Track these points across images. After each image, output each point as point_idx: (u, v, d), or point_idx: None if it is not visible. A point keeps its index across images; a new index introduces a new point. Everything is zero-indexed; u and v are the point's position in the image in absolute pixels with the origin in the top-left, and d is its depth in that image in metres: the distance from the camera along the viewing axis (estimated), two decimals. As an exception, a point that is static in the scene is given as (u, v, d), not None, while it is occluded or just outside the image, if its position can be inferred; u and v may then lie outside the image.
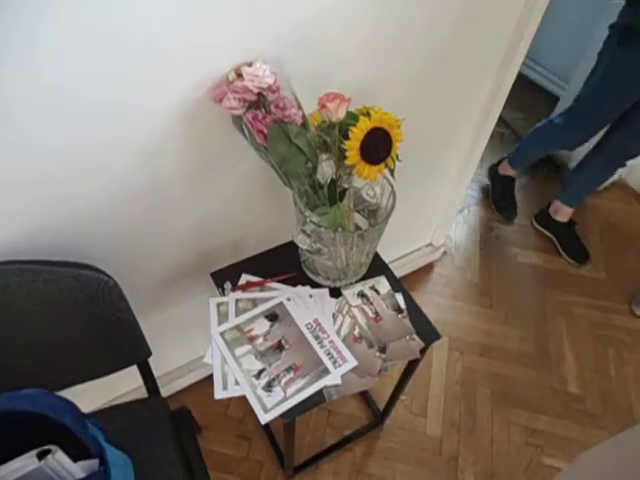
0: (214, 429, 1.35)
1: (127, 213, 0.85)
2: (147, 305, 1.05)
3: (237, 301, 0.94)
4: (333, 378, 0.84)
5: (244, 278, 0.98)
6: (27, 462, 0.63)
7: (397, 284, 1.00)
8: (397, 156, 0.79)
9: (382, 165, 0.77)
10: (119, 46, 0.63)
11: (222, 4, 0.67)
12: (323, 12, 0.77)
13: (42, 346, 0.79)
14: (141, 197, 0.84)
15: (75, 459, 0.67)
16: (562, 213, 1.86)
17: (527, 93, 2.47)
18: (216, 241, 1.05)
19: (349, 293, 0.97)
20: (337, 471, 1.30)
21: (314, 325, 0.91)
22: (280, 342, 0.88)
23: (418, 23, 0.91)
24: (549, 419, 1.43)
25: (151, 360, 0.91)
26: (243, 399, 0.81)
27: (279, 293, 0.96)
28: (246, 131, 0.75)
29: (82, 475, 0.67)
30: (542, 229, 1.94)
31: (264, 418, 0.79)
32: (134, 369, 0.92)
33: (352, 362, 0.86)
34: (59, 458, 0.64)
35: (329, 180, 0.84)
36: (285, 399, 0.81)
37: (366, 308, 0.95)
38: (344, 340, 0.90)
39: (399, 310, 0.95)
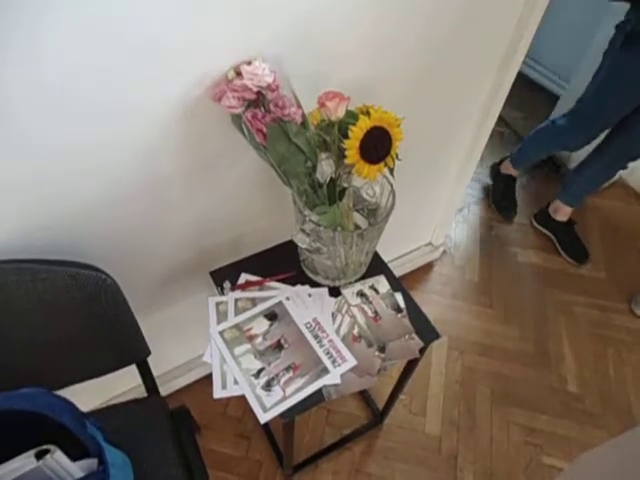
0: (213, 428, 1.35)
1: (126, 212, 0.85)
2: (146, 304, 1.05)
3: (236, 300, 0.94)
4: (332, 377, 0.84)
5: (243, 277, 0.98)
6: (25, 462, 0.63)
7: (396, 283, 1.00)
8: (397, 155, 0.79)
9: (382, 164, 0.77)
10: (119, 45, 0.63)
11: (221, 3, 0.66)
12: (322, 10, 0.76)
13: (40, 345, 0.79)
14: (140, 196, 0.84)
15: (74, 459, 0.66)
16: (562, 212, 1.86)
17: (527, 92, 2.47)
18: (215, 240, 1.05)
19: (348, 292, 0.97)
20: (336, 470, 1.30)
21: (313, 324, 0.91)
22: (279, 341, 0.88)
23: (418, 22, 0.91)
24: (548, 418, 1.43)
25: (150, 359, 0.91)
26: (242, 398, 0.81)
27: (278, 292, 0.95)
28: (245, 130, 0.75)
29: (81, 475, 0.66)
30: (542, 228, 1.94)
31: (263, 417, 0.79)
32: (133, 368, 0.91)
33: (351, 361, 0.86)
34: (58, 458, 0.64)
35: (328, 179, 0.84)
36: (284, 398, 0.81)
37: (365, 307, 0.95)
38: (343, 339, 0.90)
39: (398, 309, 0.95)
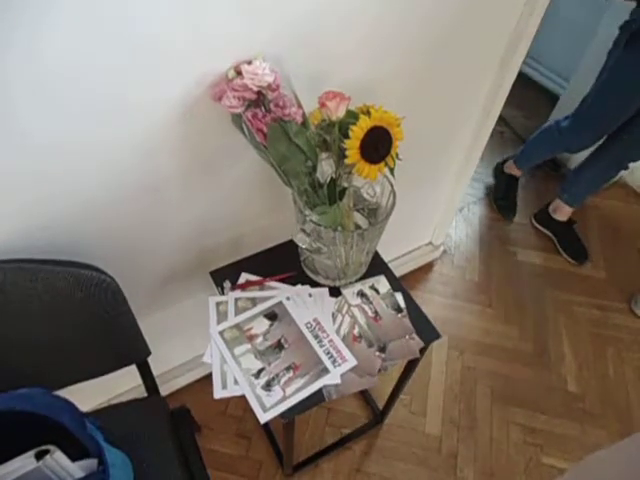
0: (213, 428, 1.35)
1: (126, 212, 0.85)
2: (146, 304, 1.05)
3: (236, 300, 0.94)
4: (332, 377, 0.84)
5: (243, 277, 0.98)
6: (25, 462, 0.63)
7: (397, 283, 1.00)
8: (397, 155, 0.79)
9: (382, 164, 0.76)
10: (119, 45, 0.63)
11: (222, 2, 0.66)
12: (323, 10, 0.76)
13: (40, 345, 0.79)
14: (140, 195, 0.84)
15: (74, 459, 0.66)
16: (561, 212, 1.86)
17: (527, 92, 2.47)
18: (215, 240, 1.05)
19: (349, 292, 0.97)
20: (336, 470, 1.30)
21: (314, 324, 0.91)
22: (279, 341, 0.88)
23: (418, 21, 0.90)
24: (548, 418, 1.43)
25: (150, 359, 0.91)
26: (243, 398, 0.81)
27: (278, 292, 0.95)
28: (245, 130, 0.74)
29: (81, 475, 0.66)
30: (541, 228, 1.94)
31: (263, 417, 0.79)
32: (133, 368, 0.91)
33: (352, 361, 0.86)
34: (57, 458, 0.64)
35: (329, 179, 0.83)
36: (284, 398, 0.81)
37: (366, 307, 0.95)
38: (344, 339, 0.90)
39: (399, 309, 0.95)
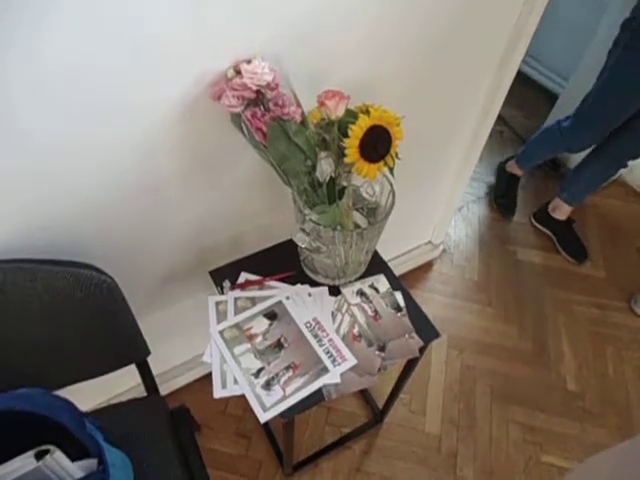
0: (213, 427, 1.35)
1: (125, 211, 0.85)
2: (146, 304, 1.05)
3: (236, 300, 0.94)
4: (332, 377, 0.84)
5: (243, 276, 0.98)
6: (25, 462, 0.63)
7: (396, 282, 1.00)
8: (396, 154, 0.79)
9: (381, 163, 0.76)
10: (118, 44, 0.63)
11: (221, 1, 0.66)
12: (322, 9, 0.76)
13: (40, 345, 0.79)
14: (140, 195, 0.84)
15: (73, 459, 0.66)
16: (561, 211, 1.86)
17: (527, 91, 2.47)
18: (215, 239, 1.05)
19: (348, 291, 0.97)
20: (336, 469, 1.30)
21: (313, 324, 0.91)
22: (279, 341, 0.88)
23: (417, 21, 0.90)
24: (548, 417, 1.43)
25: (150, 358, 0.91)
26: (242, 397, 0.81)
27: (278, 292, 0.95)
28: (245, 129, 0.74)
29: (81, 475, 0.66)
30: (541, 227, 1.94)
31: (263, 417, 0.79)
32: (133, 367, 0.91)
33: (351, 361, 0.86)
34: (57, 458, 0.64)
35: (328, 178, 0.83)
36: (284, 398, 0.81)
37: (365, 306, 0.95)
38: (343, 339, 0.90)
39: (398, 308, 0.95)
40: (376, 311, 0.94)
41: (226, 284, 0.96)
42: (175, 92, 0.73)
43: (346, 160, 0.74)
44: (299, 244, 0.86)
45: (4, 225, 0.74)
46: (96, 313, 0.78)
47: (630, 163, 1.66)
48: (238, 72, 0.71)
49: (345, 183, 0.85)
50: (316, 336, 0.89)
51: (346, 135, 0.73)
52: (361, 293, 0.97)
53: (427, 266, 1.81)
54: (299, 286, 0.97)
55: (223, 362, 0.85)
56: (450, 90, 1.14)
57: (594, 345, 1.62)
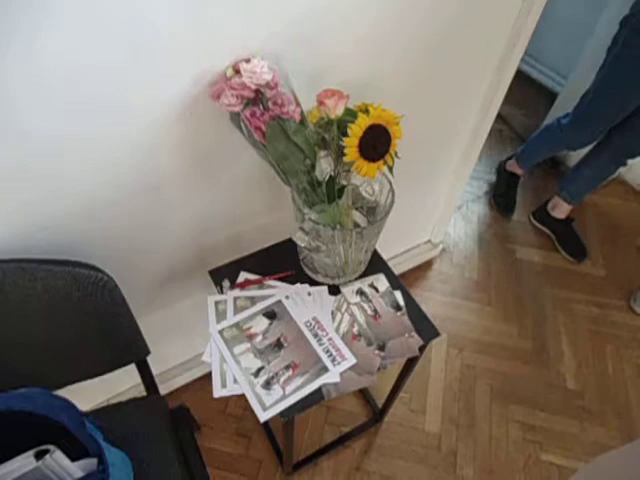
0: (213, 427, 1.35)
1: (125, 211, 0.85)
2: (145, 303, 1.05)
3: (235, 299, 0.94)
4: (332, 376, 0.84)
5: (242, 276, 0.98)
6: (25, 462, 0.63)
7: (396, 281, 1.00)
8: (396, 153, 0.79)
9: (381, 162, 0.76)
10: (117, 44, 0.63)
11: (221, 0, 0.66)
12: (322, 9, 0.76)
13: (39, 345, 0.79)
14: (139, 195, 0.84)
15: (73, 458, 0.66)
16: (560, 210, 1.86)
17: (526, 90, 2.47)
18: (214, 238, 1.05)
19: (348, 291, 0.97)
20: (336, 468, 1.31)
21: (313, 323, 0.91)
22: (279, 340, 0.88)
23: (417, 20, 0.90)
24: (547, 415, 1.44)
25: (149, 358, 0.91)
26: (242, 397, 0.81)
27: (278, 291, 0.95)
28: (244, 128, 0.74)
29: (81, 475, 0.66)
30: (540, 226, 1.94)
31: (263, 416, 0.79)
32: (132, 367, 0.91)
33: (351, 360, 0.86)
34: (57, 458, 0.64)
35: (327, 177, 0.83)
36: (284, 397, 0.81)
37: (365, 306, 0.95)
38: (343, 338, 0.90)
39: (398, 307, 0.95)
40: (376, 310, 0.94)
41: (225, 283, 0.96)
42: (174, 91, 0.73)
43: (345, 159, 0.74)
44: (298, 243, 0.86)
45: (4, 225, 0.74)
46: (95, 313, 0.78)
47: (629, 162, 1.66)
48: (237, 71, 0.71)
49: (344, 182, 0.85)
50: (316, 335, 0.89)
51: (345, 134, 0.73)
52: (361, 292, 0.97)
53: (427, 265, 1.81)
54: (299, 285, 0.97)
55: (223, 361, 0.85)
56: (449, 89, 1.14)
57: (594, 344, 1.62)
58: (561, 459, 1.36)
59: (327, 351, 0.87)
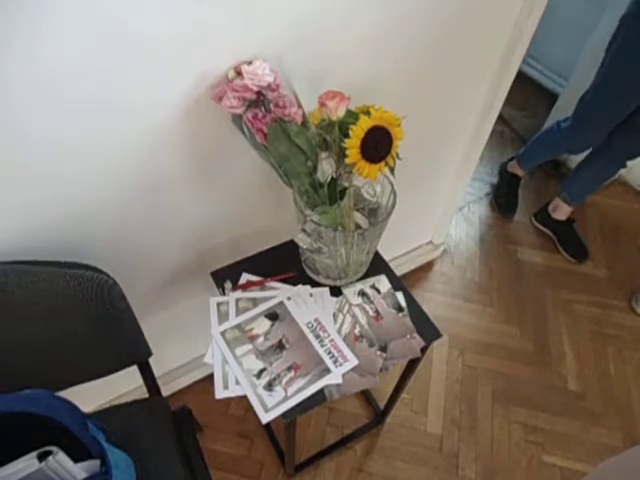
0: (215, 428, 1.35)
1: (127, 213, 0.85)
2: (147, 305, 1.05)
3: (237, 300, 0.94)
4: (334, 377, 0.84)
5: (244, 277, 0.98)
6: (28, 464, 0.63)
7: (397, 282, 1.00)
8: (397, 154, 0.79)
9: (382, 163, 0.76)
10: (118, 46, 0.63)
11: (222, 2, 0.66)
12: (323, 10, 0.76)
13: (42, 347, 0.79)
14: (141, 197, 0.84)
15: (76, 460, 0.66)
16: (561, 211, 1.86)
17: (527, 91, 2.47)
18: (216, 240, 1.05)
19: (349, 292, 0.97)
20: (338, 470, 1.30)
21: (315, 324, 0.91)
22: (281, 341, 0.88)
23: (417, 21, 0.90)
24: (549, 417, 1.43)
25: (152, 359, 0.91)
26: (244, 398, 0.81)
27: (279, 292, 0.95)
28: (246, 130, 0.74)
29: (84, 476, 0.66)
30: (541, 227, 1.94)
31: (265, 418, 0.79)
32: (135, 368, 0.91)
33: (353, 361, 0.86)
34: (60, 459, 0.64)
35: (329, 179, 0.83)
36: (286, 398, 0.81)
37: (367, 307, 0.95)
38: (345, 339, 0.90)
39: (400, 309, 0.95)
40: (377, 311, 0.94)
41: (227, 285, 0.96)
42: (176, 93, 0.73)
43: (347, 161, 0.74)
44: (300, 245, 0.86)
45: (7, 227, 0.74)
46: (97, 314, 0.78)
47: (629, 163, 1.66)
48: (239, 73, 0.71)
49: (346, 184, 0.85)
50: (318, 337, 0.89)
51: (347, 136, 0.73)
52: (362, 293, 0.97)
53: (428, 266, 1.81)
54: (300, 287, 0.97)
55: (225, 363, 0.85)
56: (450, 90, 1.14)
57: (595, 345, 1.61)
58: (563, 460, 1.35)
59: (329, 352, 0.87)
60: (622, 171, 2.06)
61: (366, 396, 1.43)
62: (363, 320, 0.93)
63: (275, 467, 1.30)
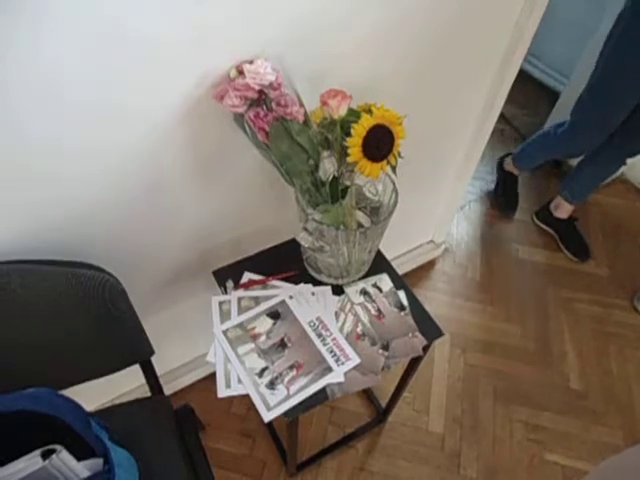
0: (217, 427, 1.36)
1: (128, 214, 0.85)
2: (149, 304, 1.06)
3: (239, 299, 0.94)
4: (336, 376, 0.84)
5: (246, 276, 0.98)
6: (31, 462, 0.64)
7: (399, 281, 1.00)
8: (399, 153, 0.79)
9: (384, 162, 0.77)
10: (119, 46, 0.63)
11: (224, 2, 0.66)
12: (324, 9, 0.76)
13: (45, 346, 0.79)
14: (143, 197, 0.84)
15: (79, 458, 0.67)
16: (563, 209, 1.86)
17: (528, 89, 2.47)
18: (218, 239, 1.05)
19: (351, 291, 0.97)
20: (340, 468, 1.31)
21: (317, 323, 0.91)
22: (283, 340, 0.88)
23: (419, 20, 0.90)
24: (551, 415, 1.43)
25: (154, 358, 0.91)
26: (246, 396, 0.81)
27: (281, 291, 0.96)
28: (247, 129, 0.75)
29: (87, 474, 0.67)
30: (543, 225, 1.94)
31: (267, 416, 0.79)
32: (137, 367, 0.91)
33: (355, 360, 0.86)
34: (63, 458, 0.64)
35: (331, 177, 0.84)
36: (288, 397, 0.81)
37: (369, 305, 0.95)
38: (347, 338, 0.90)
39: (401, 307, 0.95)
40: (379, 310, 0.95)
41: (229, 284, 0.96)
42: (177, 93, 0.73)
43: (349, 159, 0.74)
44: (302, 243, 0.87)
45: (9, 227, 0.74)
46: (100, 313, 0.78)
47: (630, 161, 1.65)
48: (241, 72, 0.72)
49: (348, 182, 0.85)
50: (320, 335, 0.89)
51: (349, 134, 0.73)
52: (364, 292, 0.97)
53: (429, 265, 1.81)
54: (302, 285, 0.97)
55: (227, 362, 0.85)
56: (451, 89, 1.14)
57: (597, 343, 1.61)
58: (565, 459, 1.35)
59: (331, 351, 0.87)
60: (623, 169, 2.06)
61: (368, 395, 1.44)
62: (365, 319, 0.93)
63: (277, 466, 1.30)
